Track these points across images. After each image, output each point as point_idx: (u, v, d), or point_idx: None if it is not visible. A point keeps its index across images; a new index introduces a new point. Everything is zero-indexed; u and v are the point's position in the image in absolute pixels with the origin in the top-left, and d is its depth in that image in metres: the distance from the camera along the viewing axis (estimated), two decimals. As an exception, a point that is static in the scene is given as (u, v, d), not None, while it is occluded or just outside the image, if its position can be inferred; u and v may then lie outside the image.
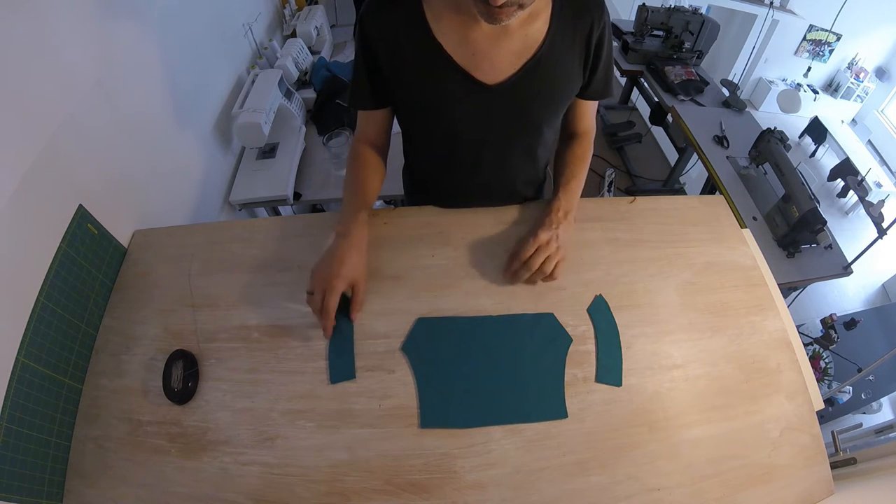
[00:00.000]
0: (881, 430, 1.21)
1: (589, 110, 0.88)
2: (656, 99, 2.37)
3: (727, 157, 1.97)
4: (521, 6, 0.59)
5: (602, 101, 0.96)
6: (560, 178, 0.85)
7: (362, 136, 0.87)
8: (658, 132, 2.64)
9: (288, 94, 1.59)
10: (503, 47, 0.70)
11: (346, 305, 0.74)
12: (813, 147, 4.34)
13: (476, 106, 0.75)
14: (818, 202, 1.60)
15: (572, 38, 0.72)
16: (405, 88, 0.76)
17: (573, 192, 0.84)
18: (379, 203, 1.77)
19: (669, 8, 2.35)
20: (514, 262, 0.77)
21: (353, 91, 0.80)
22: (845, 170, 2.36)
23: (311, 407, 0.69)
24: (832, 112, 4.59)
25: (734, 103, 2.22)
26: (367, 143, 0.87)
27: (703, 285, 0.83)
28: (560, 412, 0.68)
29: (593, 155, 0.90)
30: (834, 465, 0.77)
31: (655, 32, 2.43)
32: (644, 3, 2.35)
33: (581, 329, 0.76)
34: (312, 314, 0.75)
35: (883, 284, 3.43)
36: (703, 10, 2.42)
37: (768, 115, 4.41)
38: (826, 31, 4.28)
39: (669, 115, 2.27)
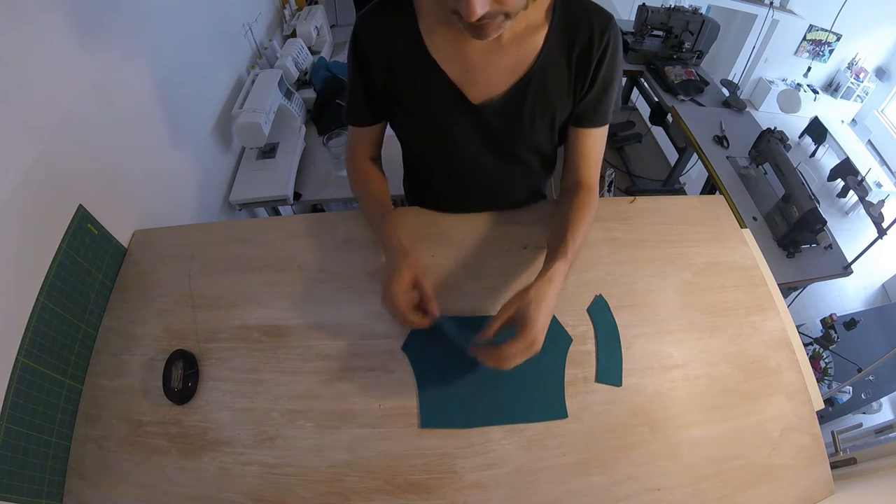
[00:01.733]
0: (881, 430, 1.21)
1: (589, 151, 0.78)
2: (656, 99, 2.37)
3: (727, 157, 1.97)
4: (506, 16, 0.56)
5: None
6: (566, 234, 0.70)
7: (358, 152, 0.86)
8: (658, 132, 2.64)
9: (288, 94, 1.59)
10: (496, 62, 0.68)
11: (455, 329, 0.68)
12: (813, 147, 4.33)
13: (470, 122, 0.73)
14: (818, 202, 1.60)
15: (568, 55, 0.68)
16: (400, 103, 0.75)
17: (575, 255, 0.70)
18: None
19: (669, 8, 2.35)
20: (492, 356, 0.60)
21: (349, 107, 0.79)
22: (845, 170, 2.37)
23: (311, 407, 0.69)
24: (832, 112, 4.59)
25: (734, 103, 2.22)
26: (363, 158, 0.87)
27: (703, 285, 0.82)
28: (560, 412, 0.68)
29: None
30: (834, 465, 0.77)
31: (655, 32, 2.43)
32: (644, 3, 2.36)
33: (581, 329, 0.76)
34: (316, 315, 0.76)
35: (883, 284, 3.43)
36: (703, 10, 2.42)
37: (768, 115, 4.40)
38: (826, 31, 4.27)
39: (669, 115, 2.27)
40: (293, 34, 1.95)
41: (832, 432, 0.95)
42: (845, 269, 1.68)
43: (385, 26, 0.68)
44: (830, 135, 4.14)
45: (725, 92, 2.28)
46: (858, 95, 4.71)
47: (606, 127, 0.78)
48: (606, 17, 0.68)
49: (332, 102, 1.65)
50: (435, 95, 0.71)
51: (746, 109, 2.22)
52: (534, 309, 0.61)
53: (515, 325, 0.61)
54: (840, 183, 3.71)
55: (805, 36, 4.40)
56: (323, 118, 1.67)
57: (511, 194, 0.90)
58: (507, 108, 0.71)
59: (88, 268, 0.78)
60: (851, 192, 3.05)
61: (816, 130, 4.21)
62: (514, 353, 0.59)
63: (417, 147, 0.86)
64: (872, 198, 1.95)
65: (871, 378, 2.20)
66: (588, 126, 0.76)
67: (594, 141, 0.78)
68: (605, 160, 2.63)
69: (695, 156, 2.12)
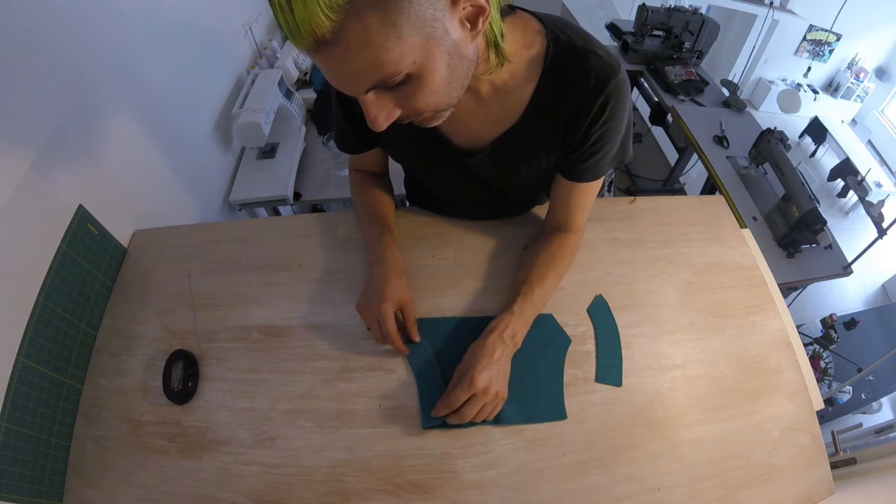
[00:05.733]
0: (881, 430, 1.21)
1: (575, 203, 0.73)
2: (656, 99, 2.37)
3: (727, 157, 1.97)
4: (437, 111, 0.52)
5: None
6: (522, 285, 0.72)
7: (359, 166, 0.85)
8: (658, 132, 2.64)
9: (288, 94, 1.59)
10: (479, 115, 0.64)
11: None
12: (813, 147, 4.33)
13: (457, 169, 0.72)
14: (818, 202, 1.60)
15: (556, 116, 0.62)
16: (383, 145, 0.74)
17: (532, 305, 0.70)
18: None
19: (669, 8, 2.35)
20: (443, 407, 0.63)
21: (337, 135, 0.78)
22: (845, 170, 2.37)
23: (311, 407, 0.69)
24: (832, 112, 4.59)
25: (734, 103, 2.22)
26: (364, 171, 0.85)
27: (703, 285, 0.82)
28: (559, 413, 0.68)
29: None
30: (834, 465, 0.76)
31: (655, 32, 2.43)
32: (644, 3, 2.36)
33: (581, 329, 0.76)
34: (316, 315, 0.76)
35: (883, 284, 3.43)
36: (703, 10, 2.42)
37: (768, 115, 4.39)
38: (826, 31, 4.27)
39: (669, 115, 2.27)
40: (293, 34, 1.95)
41: (832, 432, 0.94)
42: (845, 269, 1.68)
43: None
44: (830, 135, 4.14)
45: (725, 92, 2.29)
46: (858, 95, 4.71)
47: (600, 179, 0.70)
48: (605, 76, 0.57)
49: (331, 102, 1.65)
50: (421, 144, 0.69)
51: (746, 109, 2.22)
52: (472, 365, 0.63)
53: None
54: (840, 183, 3.71)
55: (805, 36, 4.40)
56: (323, 118, 1.67)
57: (508, 213, 0.90)
58: (493, 159, 0.68)
59: (88, 268, 0.78)
60: (851, 192, 3.05)
61: (816, 130, 4.21)
62: (457, 399, 0.62)
63: (412, 172, 0.85)
64: (872, 198, 1.95)
65: (871, 378, 2.20)
66: (576, 181, 0.70)
67: (581, 193, 0.72)
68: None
69: (695, 156, 2.12)
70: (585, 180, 0.69)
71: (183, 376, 0.70)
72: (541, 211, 0.90)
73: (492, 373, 0.63)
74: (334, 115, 0.75)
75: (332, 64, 0.43)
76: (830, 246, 1.71)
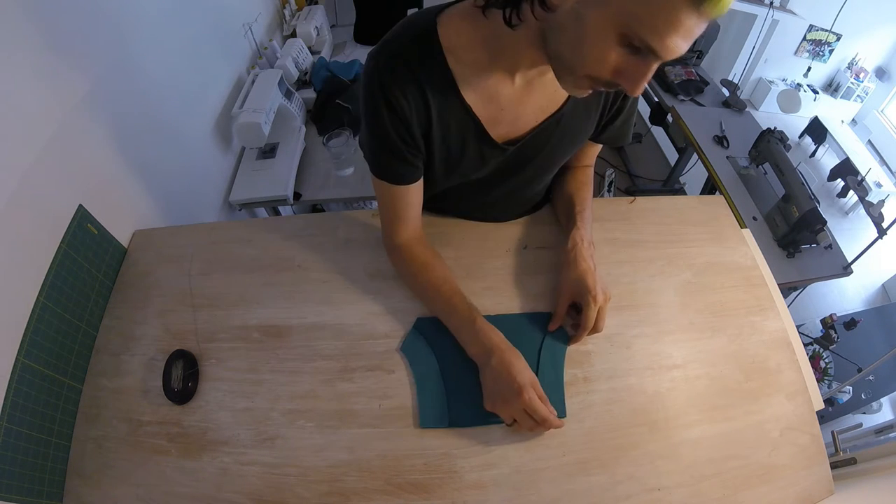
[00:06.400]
0: (881, 430, 1.21)
1: (596, 151, 0.87)
2: (656, 99, 2.37)
3: (727, 157, 1.97)
4: None
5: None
6: (573, 207, 0.81)
7: (405, 230, 0.77)
8: (658, 132, 2.64)
9: (288, 94, 1.59)
10: (528, 102, 0.67)
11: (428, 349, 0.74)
12: (813, 147, 4.32)
13: (492, 162, 0.72)
14: (818, 202, 1.60)
15: (599, 92, 0.64)
16: (427, 149, 0.70)
17: (588, 220, 0.80)
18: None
19: (669, 8, 2.34)
20: (582, 333, 0.71)
21: (389, 168, 0.69)
22: (845, 170, 2.37)
23: (311, 407, 0.69)
24: (832, 112, 4.58)
25: (734, 103, 2.22)
26: (411, 238, 0.78)
27: (703, 285, 0.82)
28: (560, 413, 0.68)
29: None
30: (834, 465, 0.77)
31: (655, 32, 2.43)
32: (644, 3, 2.35)
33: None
34: (316, 315, 0.76)
35: (883, 284, 3.42)
36: (703, 10, 2.41)
37: (768, 115, 4.39)
38: (826, 31, 4.26)
39: (669, 115, 2.27)
40: (293, 34, 1.95)
41: (832, 432, 0.95)
42: (845, 269, 1.68)
43: (415, 77, 0.60)
44: (830, 135, 4.14)
45: (725, 92, 2.29)
46: (858, 95, 4.71)
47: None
48: None
49: (332, 102, 1.65)
50: (465, 142, 0.68)
51: (746, 109, 2.22)
52: (585, 288, 0.70)
53: (580, 302, 0.72)
54: (840, 183, 3.70)
55: (805, 36, 4.40)
56: (323, 118, 1.67)
57: (517, 212, 0.90)
58: (533, 145, 0.71)
59: (88, 268, 0.78)
60: (851, 192, 3.05)
61: (816, 130, 4.20)
62: (591, 319, 0.70)
63: (430, 176, 0.79)
64: (872, 198, 1.95)
65: (871, 378, 2.20)
66: (610, 145, 0.81)
67: (596, 147, 0.84)
68: (605, 160, 2.64)
69: (695, 156, 2.12)
70: (622, 142, 0.80)
71: (183, 376, 0.70)
72: (542, 212, 0.90)
73: (600, 284, 0.71)
74: (380, 148, 0.67)
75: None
76: (830, 246, 1.71)
